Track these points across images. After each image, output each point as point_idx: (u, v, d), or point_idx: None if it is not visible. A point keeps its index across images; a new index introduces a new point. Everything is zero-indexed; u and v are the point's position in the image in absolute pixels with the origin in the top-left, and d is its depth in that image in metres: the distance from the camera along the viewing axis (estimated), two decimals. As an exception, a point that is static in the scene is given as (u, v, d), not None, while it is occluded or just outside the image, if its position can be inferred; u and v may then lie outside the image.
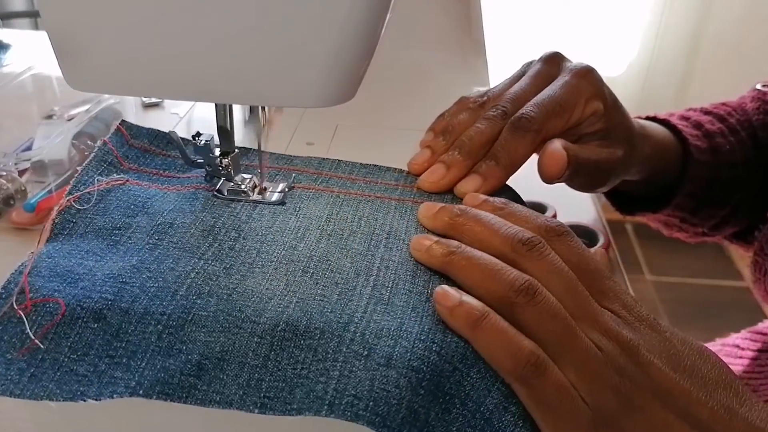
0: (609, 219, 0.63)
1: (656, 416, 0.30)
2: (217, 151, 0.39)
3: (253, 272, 0.34)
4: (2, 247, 0.50)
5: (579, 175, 0.43)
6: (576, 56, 0.46)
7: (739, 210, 0.61)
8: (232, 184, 0.39)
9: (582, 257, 0.34)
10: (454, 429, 0.29)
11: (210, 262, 0.34)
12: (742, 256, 0.65)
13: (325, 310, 0.32)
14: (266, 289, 0.33)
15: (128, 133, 0.42)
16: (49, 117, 0.64)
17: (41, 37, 0.81)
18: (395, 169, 0.43)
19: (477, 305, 0.31)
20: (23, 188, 0.53)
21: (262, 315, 0.31)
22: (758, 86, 0.63)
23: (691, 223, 0.61)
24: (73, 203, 0.37)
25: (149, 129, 0.43)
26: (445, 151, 0.42)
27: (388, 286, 0.34)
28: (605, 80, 0.46)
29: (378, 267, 0.35)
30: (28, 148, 0.57)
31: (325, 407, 0.28)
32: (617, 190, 0.61)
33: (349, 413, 0.28)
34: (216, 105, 0.38)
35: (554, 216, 0.65)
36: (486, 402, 0.30)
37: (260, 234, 0.36)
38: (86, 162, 0.39)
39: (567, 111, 0.43)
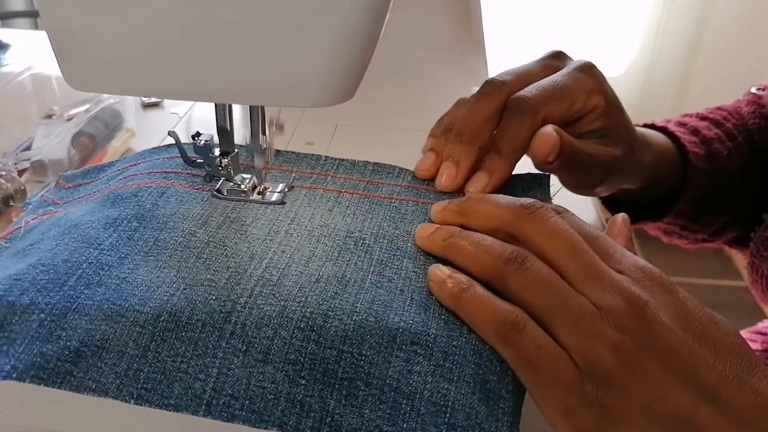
0: (609, 220, 0.63)
1: (657, 378, 0.29)
2: (217, 151, 0.39)
3: (147, 261, 0.34)
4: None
5: (573, 167, 0.42)
6: (576, 56, 0.46)
7: (738, 215, 0.61)
8: (231, 184, 0.39)
9: (585, 226, 0.34)
10: (367, 410, 0.29)
11: (105, 252, 0.34)
12: (741, 257, 0.65)
13: (210, 297, 0.32)
14: (156, 277, 0.33)
15: (64, 181, 0.43)
16: (49, 117, 0.64)
17: (41, 37, 0.81)
18: (312, 155, 0.43)
19: (462, 279, 0.32)
20: (23, 188, 0.53)
21: (146, 304, 0.31)
22: (753, 90, 0.63)
23: (692, 230, 0.61)
24: (1, 243, 0.37)
25: (84, 168, 0.44)
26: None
27: (280, 268, 0.34)
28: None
29: (274, 251, 0.35)
30: (28, 148, 0.57)
31: (203, 407, 0.29)
32: (617, 200, 0.60)
33: (225, 414, 0.29)
34: (216, 105, 0.38)
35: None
36: (389, 373, 0.30)
37: (161, 221, 0.36)
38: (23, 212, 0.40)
39: (568, 97, 0.42)
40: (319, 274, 0.33)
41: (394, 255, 0.36)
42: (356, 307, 0.32)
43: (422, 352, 0.30)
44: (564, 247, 0.32)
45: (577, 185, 0.46)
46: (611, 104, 0.44)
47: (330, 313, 0.31)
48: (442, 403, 0.29)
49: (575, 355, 0.29)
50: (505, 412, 0.30)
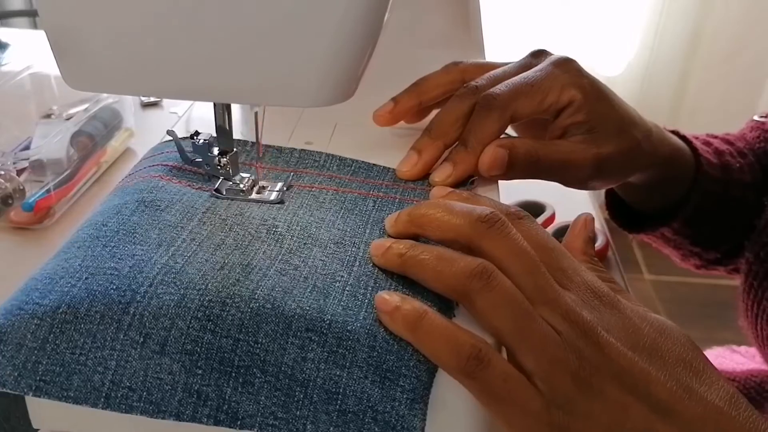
0: (608, 218, 0.63)
1: (615, 399, 0.29)
2: (216, 151, 0.39)
3: (57, 255, 0.34)
4: (1, 246, 0.50)
5: (545, 172, 0.43)
6: (575, 56, 0.46)
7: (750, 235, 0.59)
8: (230, 183, 0.39)
9: (542, 236, 0.34)
10: (263, 398, 0.29)
11: None
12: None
13: (111, 286, 0.31)
14: (61, 268, 0.33)
15: None
16: (48, 116, 0.64)
17: (40, 37, 0.81)
18: (240, 141, 0.43)
19: (414, 307, 0.30)
20: (21, 187, 0.53)
21: (46, 297, 0.31)
22: (756, 117, 0.62)
23: (704, 245, 0.59)
24: None
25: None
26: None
27: (186, 256, 0.33)
28: (604, 80, 0.45)
29: (183, 239, 0.35)
30: (27, 148, 0.57)
31: (102, 399, 0.29)
32: (620, 202, 0.60)
33: (123, 406, 0.29)
34: (215, 104, 0.38)
35: (552, 216, 0.64)
36: (284, 360, 0.30)
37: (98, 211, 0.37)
38: None
39: (538, 92, 0.43)
40: (224, 262, 0.33)
41: (304, 243, 0.35)
42: (255, 293, 0.32)
43: (316, 339, 0.30)
44: (522, 268, 0.31)
45: (563, 184, 0.46)
46: (590, 97, 0.44)
47: (228, 300, 0.31)
48: (334, 390, 0.29)
49: (538, 381, 0.30)
50: (404, 389, 0.29)
